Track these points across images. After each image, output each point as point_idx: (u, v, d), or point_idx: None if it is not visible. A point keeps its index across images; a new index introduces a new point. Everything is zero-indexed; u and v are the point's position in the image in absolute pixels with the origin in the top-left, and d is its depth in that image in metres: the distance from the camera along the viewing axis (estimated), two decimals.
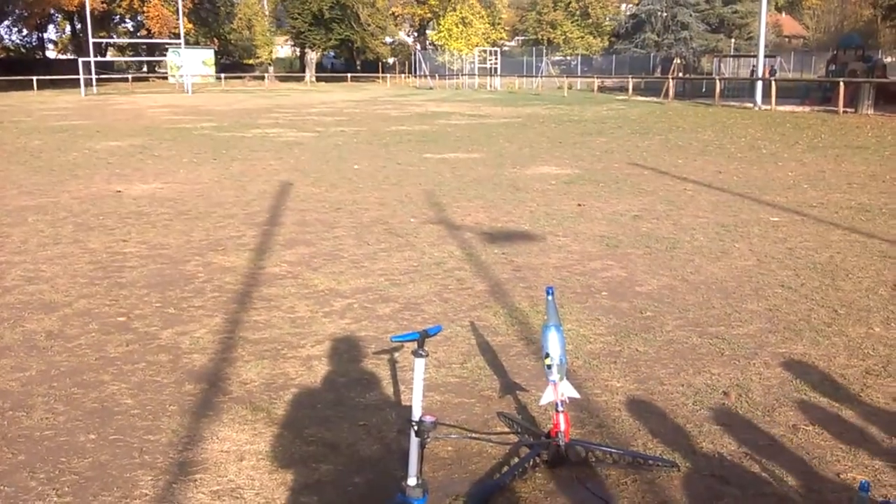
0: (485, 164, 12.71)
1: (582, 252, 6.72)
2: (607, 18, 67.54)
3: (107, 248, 6.94)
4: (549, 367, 3.09)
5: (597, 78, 46.23)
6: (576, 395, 3.19)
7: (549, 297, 3.21)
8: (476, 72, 57.88)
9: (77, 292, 5.58)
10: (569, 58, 63.80)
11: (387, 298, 5.42)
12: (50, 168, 12.47)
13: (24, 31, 69.76)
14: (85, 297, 5.48)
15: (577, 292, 5.52)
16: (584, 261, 6.42)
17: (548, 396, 3.08)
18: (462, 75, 59.08)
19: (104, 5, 59.49)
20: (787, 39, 68.92)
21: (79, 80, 43.44)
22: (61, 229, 7.78)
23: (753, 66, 35.21)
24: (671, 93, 34.00)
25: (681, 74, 40.71)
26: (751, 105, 27.42)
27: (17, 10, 61.98)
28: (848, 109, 23.71)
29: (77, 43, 65.22)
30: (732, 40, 52.46)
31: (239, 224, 8.01)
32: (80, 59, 45.29)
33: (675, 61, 42.77)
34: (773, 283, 5.73)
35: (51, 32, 76.20)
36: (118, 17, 68.33)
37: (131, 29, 70.88)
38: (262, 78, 64.86)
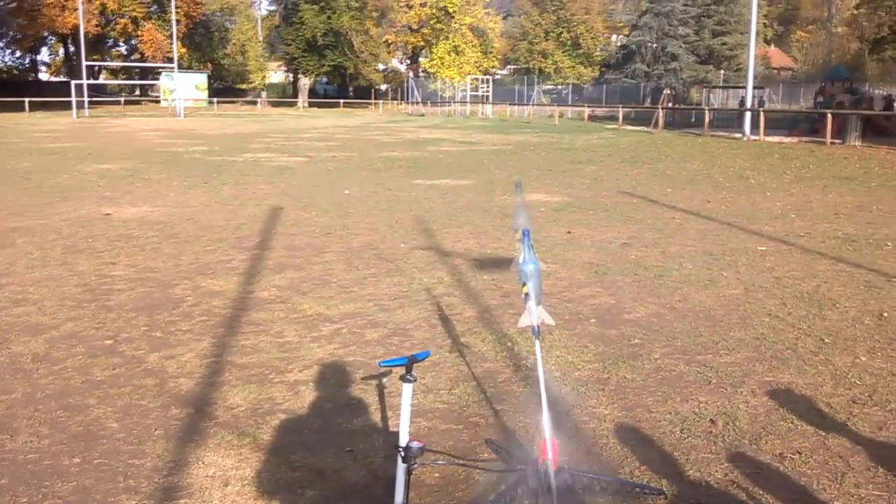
0: (475, 191, 12.77)
1: (571, 279, 6.74)
2: (598, 49, 68.28)
3: (95, 271, 6.92)
4: (527, 295, 3.05)
5: (587, 107, 46.61)
6: (551, 321, 3.14)
7: (526, 240, 3.09)
8: (468, 99, 58.20)
9: (64, 315, 5.56)
10: (560, 87, 64.32)
11: (375, 324, 5.41)
12: (40, 190, 12.45)
13: (18, 53, 69.94)
14: (72, 319, 5.46)
15: (565, 319, 5.53)
16: (572, 287, 6.44)
17: (525, 320, 3.05)
18: (454, 103, 59.41)
19: (98, 29, 59.72)
20: (775, 71, 69.73)
21: (71, 102, 43.56)
22: (50, 252, 7.76)
23: (742, 96, 35.61)
24: (661, 122, 34.32)
25: (670, 105, 41.08)
26: (739, 135, 27.68)
27: (10, 32, 62.20)
28: (835, 141, 23.99)
29: (70, 65, 65.34)
30: (721, 71, 53.12)
31: (228, 248, 8.01)
32: (73, 82, 45.35)
33: (664, 92, 43.18)
34: (760, 311, 5.76)
35: (44, 55, 76.34)
36: (112, 40, 68.53)
37: (125, 52, 71.09)
38: (255, 103, 65.02)
